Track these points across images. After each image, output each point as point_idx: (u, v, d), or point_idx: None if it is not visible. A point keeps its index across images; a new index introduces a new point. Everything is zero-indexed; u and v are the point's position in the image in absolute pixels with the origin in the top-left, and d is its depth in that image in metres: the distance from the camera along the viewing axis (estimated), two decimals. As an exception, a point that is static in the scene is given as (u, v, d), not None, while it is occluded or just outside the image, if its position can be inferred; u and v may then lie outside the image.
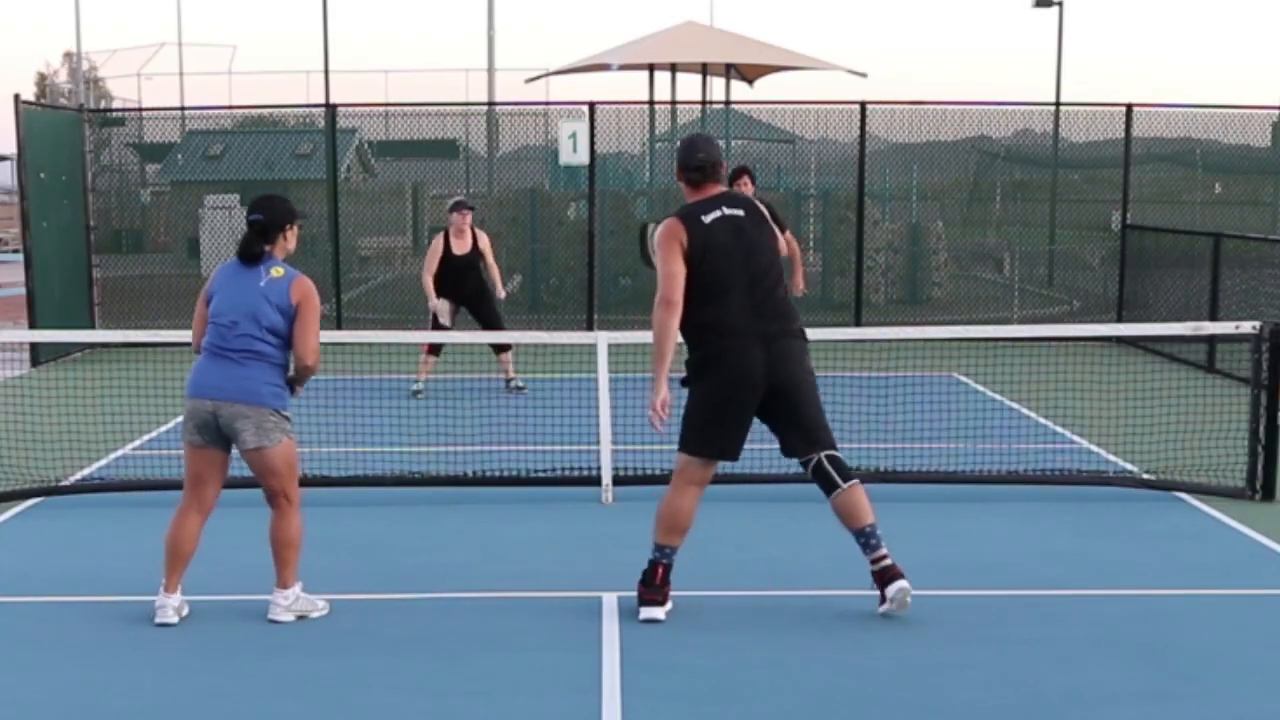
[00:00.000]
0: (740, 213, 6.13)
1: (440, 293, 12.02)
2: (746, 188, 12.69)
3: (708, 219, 6.11)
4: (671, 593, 6.26)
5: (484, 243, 12.29)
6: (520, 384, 12.31)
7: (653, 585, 6.20)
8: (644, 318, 18.55)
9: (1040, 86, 73.06)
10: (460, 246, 12.09)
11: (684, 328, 6.15)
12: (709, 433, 6.22)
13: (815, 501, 8.35)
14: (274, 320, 5.98)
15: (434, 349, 12.13)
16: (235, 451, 6.18)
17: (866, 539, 6.11)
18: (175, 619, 6.14)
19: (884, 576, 6.10)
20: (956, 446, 9.59)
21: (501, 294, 12.50)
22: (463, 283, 12.14)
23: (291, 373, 6.13)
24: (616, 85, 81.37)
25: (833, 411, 9.97)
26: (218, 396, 5.97)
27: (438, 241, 12.19)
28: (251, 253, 6.05)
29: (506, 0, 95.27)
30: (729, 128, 21.45)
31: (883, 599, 6.12)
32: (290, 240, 6.17)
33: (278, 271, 6.05)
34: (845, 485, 6.12)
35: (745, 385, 6.09)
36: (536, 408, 10.36)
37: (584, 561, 7.23)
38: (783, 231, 12.53)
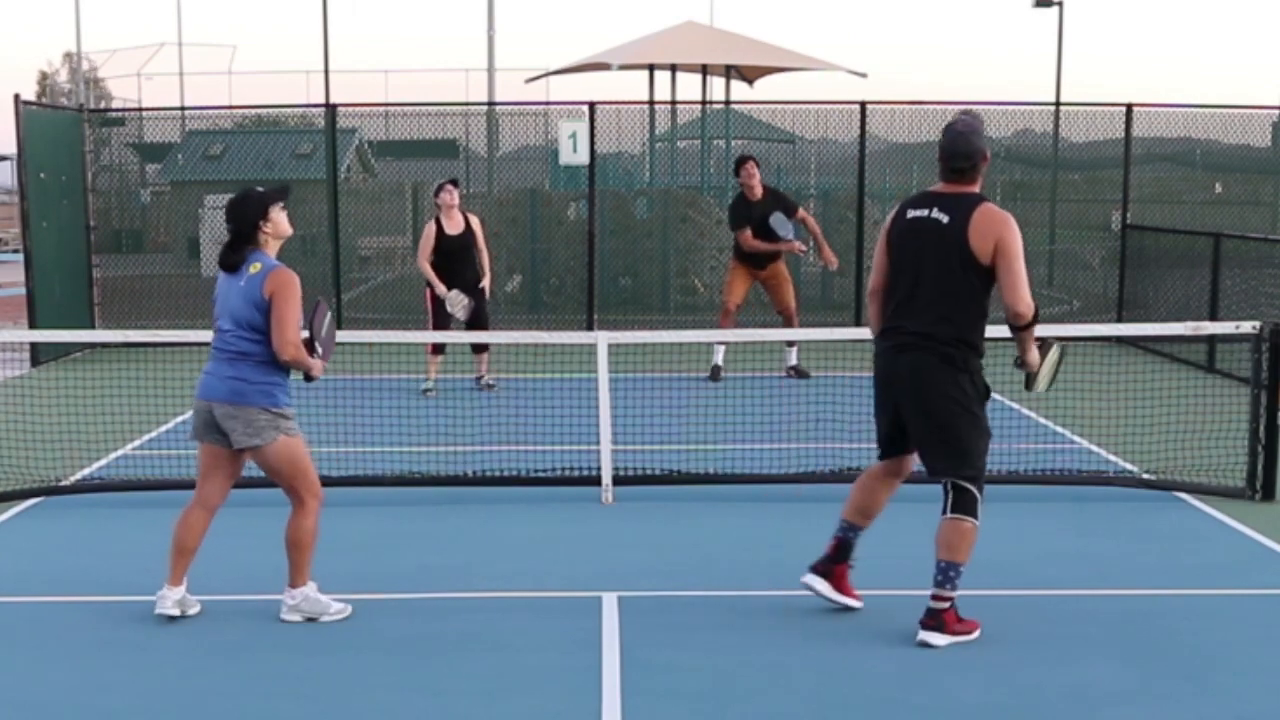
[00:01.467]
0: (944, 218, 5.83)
1: (441, 280, 11.94)
2: (755, 176, 12.88)
3: (910, 214, 5.95)
4: (674, 593, 6.24)
5: (476, 224, 12.22)
6: (491, 382, 12.34)
7: (823, 556, 6.25)
8: (644, 318, 18.61)
9: (1040, 86, 73.07)
10: (452, 227, 12.00)
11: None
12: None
13: (815, 501, 8.38)
14: (252, 317, 5.99)
15: (438, 348, 12.13)
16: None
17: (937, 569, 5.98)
18: (176, 611, 6.15)
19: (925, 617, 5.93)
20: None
21: (486, 284, 12.25)
22: (461, 268, 11.99)
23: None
24: (616, 85, 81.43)
25: (833, 411, 10.05)
26: (210, 397, 6.05)
27: (430, 227, 12.11)
28: (228, 262, 6.10)
29: (506, 0, 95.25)
30: (729, 128, 21.46)
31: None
32: (277, 227, 6.15)
33: (255, 267, 6.04)
34: (944, 515, 5.99)
35: (878, 386, 6.16)
36: (536, 408, 10.36)
37: (584, 561, 7.23)
38: (794, 213, 12.88)
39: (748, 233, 12.79)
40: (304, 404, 10.31)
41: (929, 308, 5.82)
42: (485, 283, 12.23)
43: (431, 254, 11.98)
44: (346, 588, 6.63)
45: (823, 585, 6.26)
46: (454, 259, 12.00)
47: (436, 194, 12.20)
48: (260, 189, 6.23)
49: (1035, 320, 5.84)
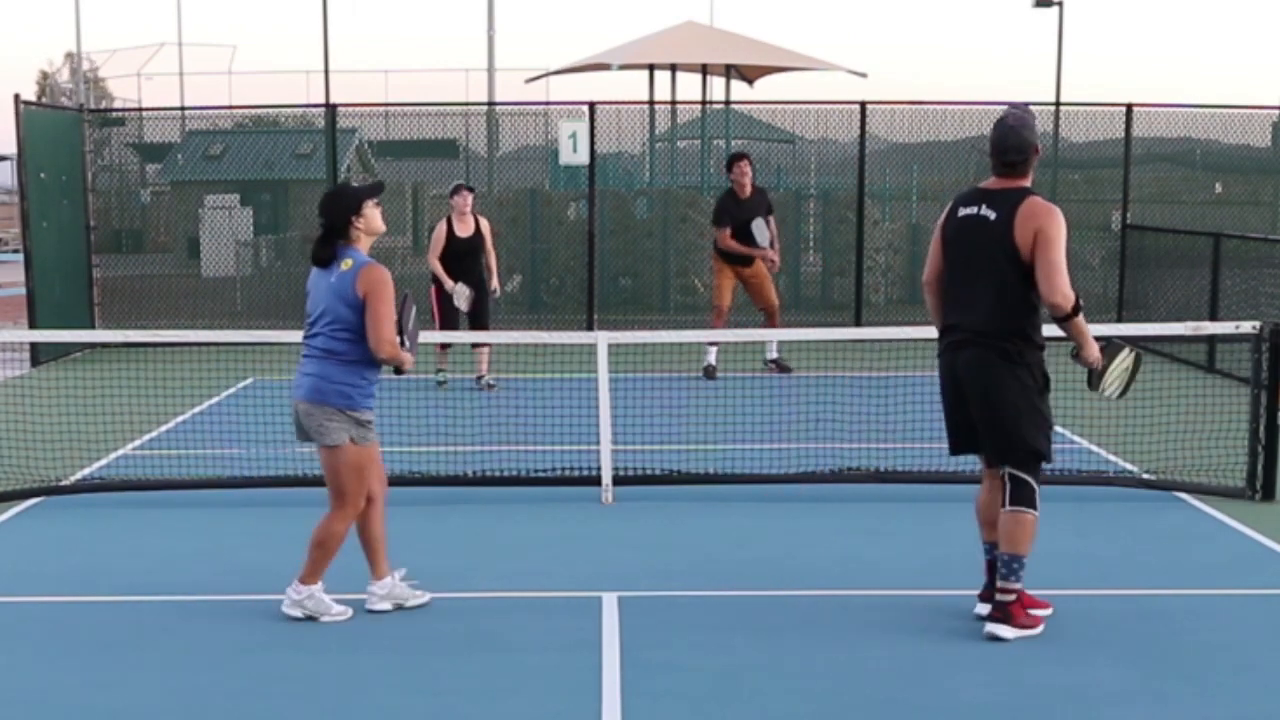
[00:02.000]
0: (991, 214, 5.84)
1: (450, 278, 12.10)
2: (747, 174, 12.94)
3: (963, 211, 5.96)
4: (674, 593, 6.24)
5: (485, 227, 12.34)
6: (492, 382, 12.37)
7: (986, 583, 6.14)
8: (643, 318, 18.58)
9: (1040, 86, 72.95)
10: (463, 229, 12.17)
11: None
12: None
13: (815, 501, 8.39)
14: (343, 314, 5.92)
15: (444, 344, 12.20)
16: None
17: (998, 563, 5.98)
18: (388, 605, 6.24)
19: (993, 604, 5.98)
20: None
21: (495, 286, 12.49)
22: (469, 268, 12.16)
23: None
24: (616, 85, 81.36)
25: (833, 411, 10.05)
26: (296, 395, 6.05)
27: (441, 227, 12.28)
28: (319, 257, 6.03)
29: (506, 0, 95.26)
30: (729, 128, 21.46)
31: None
32: (369, 223, 6.05)
33: (346, 264, 5.96)
34: (1004, 508, 5.93)
35: (944, 384, 6.13)
36: (536, 408, 10.36)
37: (584, 561, 7.23)
38: (769, 214, 12.99)
39: (728, 232, 12.89)
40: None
41: (982, 304, 5.85)
42: (494, 284, 12.46)
43: (441, 254, 12.14)
44: (346, 588, 6.62)
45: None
46: (462, 260, 12.15)
47: (452, 195, 12.36)
48: (355, 184, 6.17)
49: (1077, 311, 5.80)
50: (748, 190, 12.99)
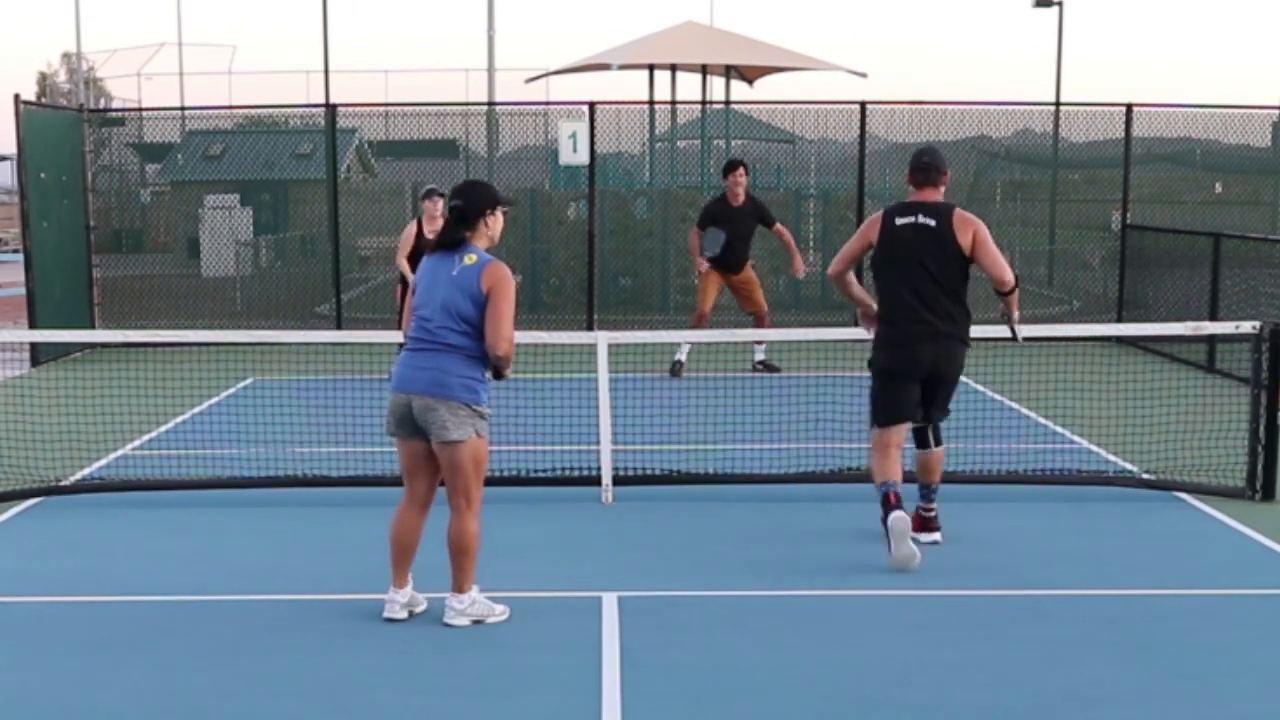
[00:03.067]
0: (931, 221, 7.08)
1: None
2: (741, 184, 12.95)
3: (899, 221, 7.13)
4: (674, 593, 6.23)
5: None
6: None
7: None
8: (644, 318, 18.58)
9: (1040, 86, 72.96)
10: (432, 230, 12.01)
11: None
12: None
13: (815, 501, 8.39)
14: (465, 309, 5.82)
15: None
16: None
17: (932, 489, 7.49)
18: (404, 614, 6.11)
19: (921, 522, 7.39)
20: (957, 446, 9.56)
21: None
22: None
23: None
24: (616, 85, 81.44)
25: (833, 411, 10.04)
26: (411, 389, 5.87)
27: (410, 227, 12.25)
28: (449, 240, 5.93)
29: (506, 0, 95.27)
30: (729, 128, 21.47)
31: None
32: (493, 227, 6.01)
33: (470, 259, 5.88)
34: (936, 448, 7.43)
35: (907, 366, 7.22)
36: (536, 408, 10.36)
37: (584, 561, 7.23)
38: (771, 225, 13.11)
39: (696, 230, 13.01)
40: (305, 404, 10.35)
41: (943, 299, 7.09)
42: None
43: (409, 254, 12.10)
44: (347, 588, 6.64)
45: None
46: None
47: (423, 198, 12.34)
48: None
49: (1017, 284, 7.22)
50: (740, 199, 12.97)
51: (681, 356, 13.07)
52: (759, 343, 13.27)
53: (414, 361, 5.92)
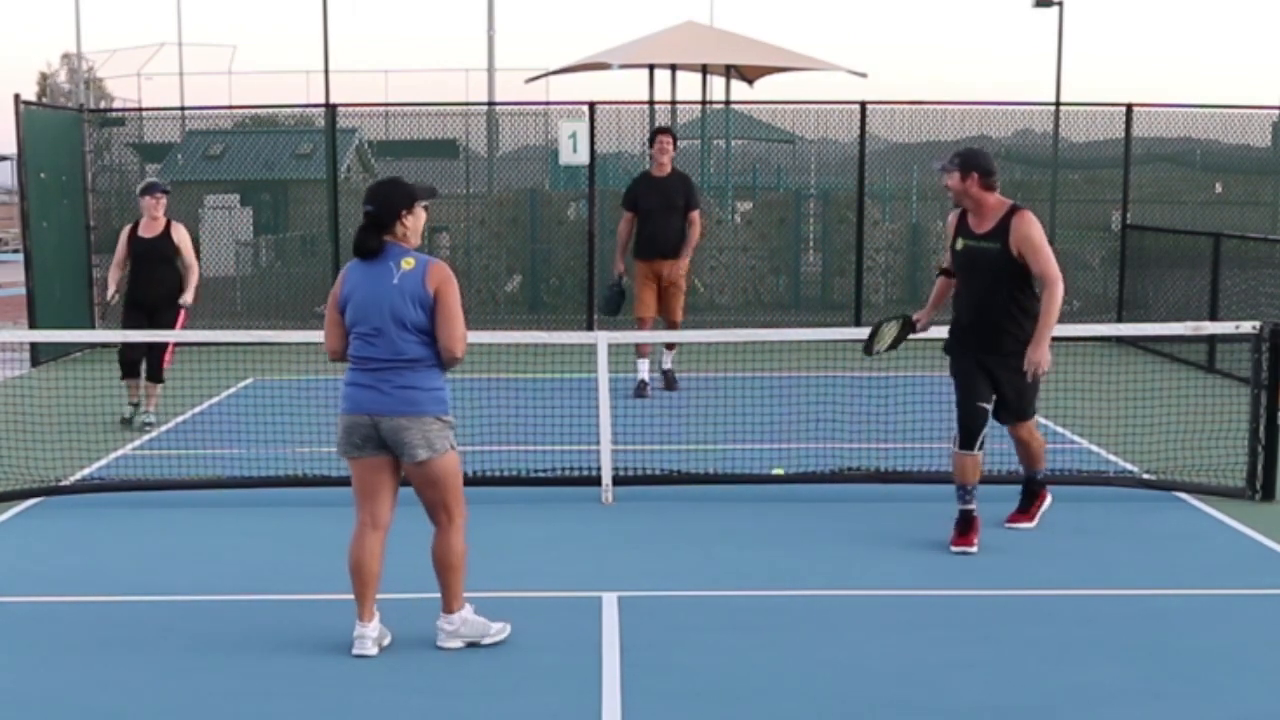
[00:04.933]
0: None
1: (130, 288, 10.84)
2: (667, 152, 11.85)
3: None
4: (674, 593, 6.24)
5: (181, 235, 10.86)
6: (151, 420, 10.77)
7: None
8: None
9: (1040, 86, 73.15)
10: (149, 230, 10.80)
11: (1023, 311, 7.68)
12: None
13: (815, 501, 8.39)
14: (417, 318, 5.49)
15: (131, 368, 10.82)
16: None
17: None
18: (374, 650, 5.73)
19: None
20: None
21: (188, 299, 10.84)
22: (152, 276, 10.77)
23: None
24: (616, 85, 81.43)
25: (833, 411, 10.05)
26: (376, 410, 5.55)
27: (125, 230, 10.96)
28: (366, 248, 5.55)
29: (506, 0, 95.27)
30: (729, 128, 21.45)
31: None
32: (413, 225, 5.60)
33: (408, 263, 5.52)
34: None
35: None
36: (536, 408, 10.36)
37: (584, 561, 7.23)
38: (689, 210, 11.86)
39: (628, 217, 11.92)
40: (306, 404, 10.34)
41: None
42: (187, 299, 10.89)
43: (122, 258, 10.96)
44: (347, 588, 6.62)
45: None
46: (143, 264, 10.82)
47: (140, 194, 11.12)
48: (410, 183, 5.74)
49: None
50: (666, 169, 11.83)
51: (644, 375, 12.01)
52: (670, 348, 12.36)
53: (373, 381, 5.57)
